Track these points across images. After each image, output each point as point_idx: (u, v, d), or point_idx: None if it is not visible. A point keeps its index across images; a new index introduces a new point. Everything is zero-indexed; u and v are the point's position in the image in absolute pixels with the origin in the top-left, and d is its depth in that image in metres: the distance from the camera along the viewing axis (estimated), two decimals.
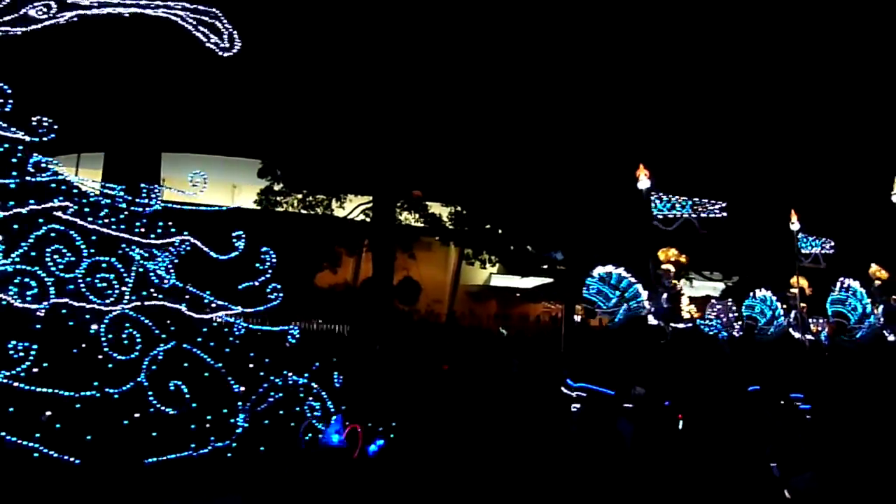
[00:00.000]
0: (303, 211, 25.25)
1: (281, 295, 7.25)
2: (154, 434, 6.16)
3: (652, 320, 9.43)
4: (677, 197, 9.92)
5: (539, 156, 23.39)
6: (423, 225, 26.92)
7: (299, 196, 25.32)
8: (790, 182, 22.21)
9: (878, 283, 11.87)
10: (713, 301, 11.14)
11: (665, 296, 9.96)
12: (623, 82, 22.89)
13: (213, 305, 7.04)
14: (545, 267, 29.74)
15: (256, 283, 7.18)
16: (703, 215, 9.93)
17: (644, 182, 10.06)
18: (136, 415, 6.11)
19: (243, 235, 7.20)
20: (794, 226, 11.55)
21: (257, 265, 7.28)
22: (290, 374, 7.14)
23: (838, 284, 9.20)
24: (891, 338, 10.82)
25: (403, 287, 26.33)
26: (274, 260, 7.36)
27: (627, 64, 22.88)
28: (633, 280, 8.89)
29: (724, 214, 9.96)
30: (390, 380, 13.06)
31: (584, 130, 22.93)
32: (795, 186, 20.95)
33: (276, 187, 25.38)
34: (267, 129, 24.31)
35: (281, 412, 6.96)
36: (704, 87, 23.58)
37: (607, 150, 22.02)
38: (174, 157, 25.76)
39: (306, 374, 7.23)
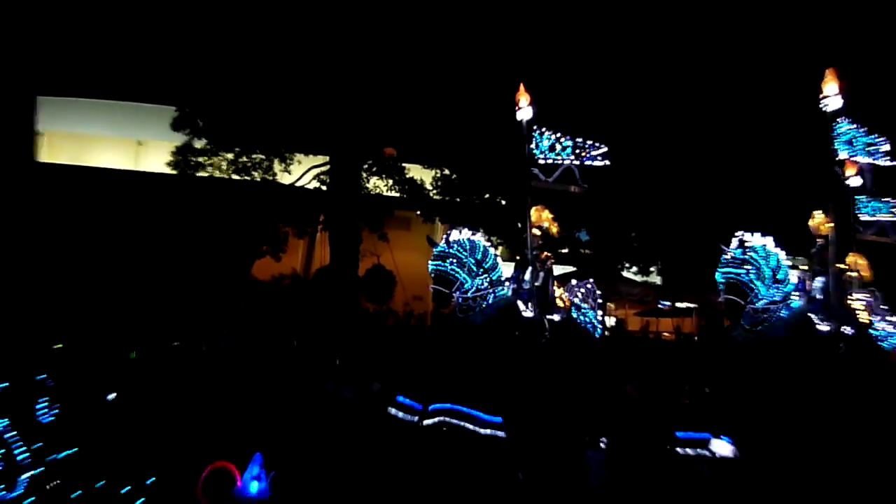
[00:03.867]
0: (234, 176, 25.22)
1: None
2: None
3: (525, 310, 9.50)
4: (558, 135, 9.93)
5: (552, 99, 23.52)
6: (398, 195, 26.89)
7: (229, 156, 25.24)
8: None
9: (820, 241, 10.16)
10: (574, 281, 11.34)
11: (541, 275, 10.18)
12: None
13: None
14: (565, 250, 29.55)
15: None
16: (584, 162, 9.98)
17: (525, 111, 9.82)
18: None
19: None
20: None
21: None
22: None
23: (734, 241, 7.73)
24: (823, 327, 9.07)
25: (372, 279, 26.13)
26: None
27: None
28: (495, 253, 8.92)
29: (607, 162, 9.98)
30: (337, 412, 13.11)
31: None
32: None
33: (198, 144, 25.30)
34: (185, 65, 24.26)
35: None
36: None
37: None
38: (57, 104, 25.50)
39: None
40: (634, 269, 31.73)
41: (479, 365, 8.31)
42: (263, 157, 25.40)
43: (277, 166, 25.68)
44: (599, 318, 10.98)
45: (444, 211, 27.36)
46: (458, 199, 26.88)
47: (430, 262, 8.54)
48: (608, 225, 28.48)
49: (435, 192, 26.95)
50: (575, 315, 10.62)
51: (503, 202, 26.98)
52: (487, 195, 27.01)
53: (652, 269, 32.21)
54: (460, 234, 8.76)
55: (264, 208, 24.89)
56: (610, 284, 24.99)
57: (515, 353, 8.59)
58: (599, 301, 11.13)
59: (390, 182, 26.62)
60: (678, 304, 30.45)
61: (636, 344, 25.36)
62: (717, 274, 7.67)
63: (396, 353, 18.74)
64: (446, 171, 26.89)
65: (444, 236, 8.70)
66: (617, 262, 30.53)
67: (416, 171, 26.98)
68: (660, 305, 31.18)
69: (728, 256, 7.63)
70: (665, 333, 30.92)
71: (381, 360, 18.20)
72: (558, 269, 29.64)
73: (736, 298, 7.53)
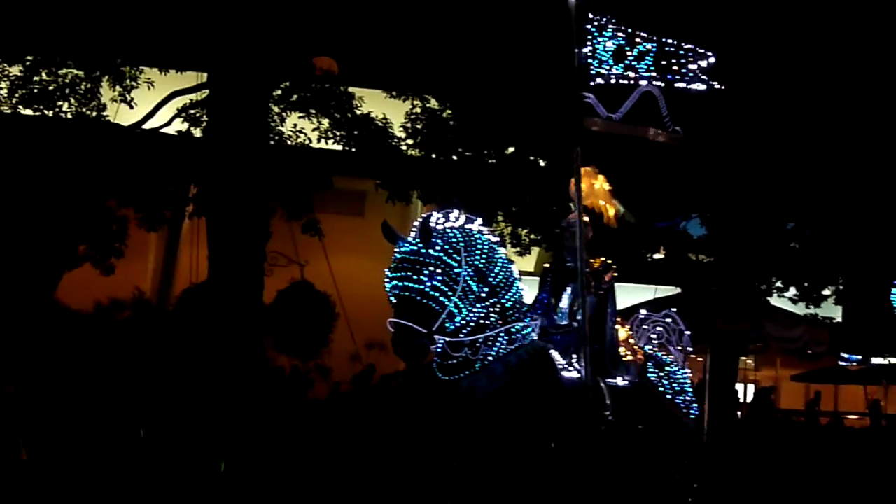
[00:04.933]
0: (23, 110, 25.48)
1: None
2: None
3: (561, 364, 9.64)
4: (631, 31, 10.24)
5: None
6: (341, 147, 27.34)
7: (15, 70, 25.58)
8: None
9: None
10: (643, 313, 12.29)
11: (590, 302, 10.36)
12: None
13: None
14: (658, 255, 29.67)
15: None
16: (676, 83, 10.36)
17: None
18: None
19: None
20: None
21: None
22: None
23: None
24: None
25: (291, 308, 26.45)
26: None
27: None
28: (504, 253, 9.23)
29: (717, 85, 10.45)
30: None
31: None
32: None
33: None
34: None
35: None
36: None
37: None
38: None
39: None
40: (792, 291, 31.89)
41: (485, 473, 8.42)
42: (81, 73, 25.55)
43: (108, 91, 25.87)
44: (689, 382, 11.27)
45: (429, 178, 27.53)
46: (453, 157, 27.21)
47: (387, 273, 8.59)
48: (740, 209, 28.60)
49: (410, 142, 27.35)
50: (654, 378, 10.85)
51: (541, 162, 27.38)
52: (511, 148, 27.35)
53: (827, 292, 32.35)
54: (448, 221, 8.82)
55: (82, 172, 24.90)
56: (746, 321, 25.10)
57: (553, 450, 8.68)
58: (689, 349, 11.65)
59: (326, 123, 26.88)
60: (877, 360, 30.59)
61: (795, 434, 25.48)
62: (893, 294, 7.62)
63: (336, 451, 18.90)
64: (431, 104, 27.34)
65: (418, 223, 8.69)
66: (759, 280, 30.70)
67: (374, 104, 27.34)
68: (842, 363, 31.37)
69: None
70: (850, 415, 31.08)
71: (306, 463, 18.36)
72: (638, 292, 29.93)
73: None
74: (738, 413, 29.35)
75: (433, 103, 27.30)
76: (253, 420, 20.34)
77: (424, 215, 8.79)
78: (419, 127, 27.24)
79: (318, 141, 27.00)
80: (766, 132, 25.77)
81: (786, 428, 27.30)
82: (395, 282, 8.44)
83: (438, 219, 8.79)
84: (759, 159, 26.36)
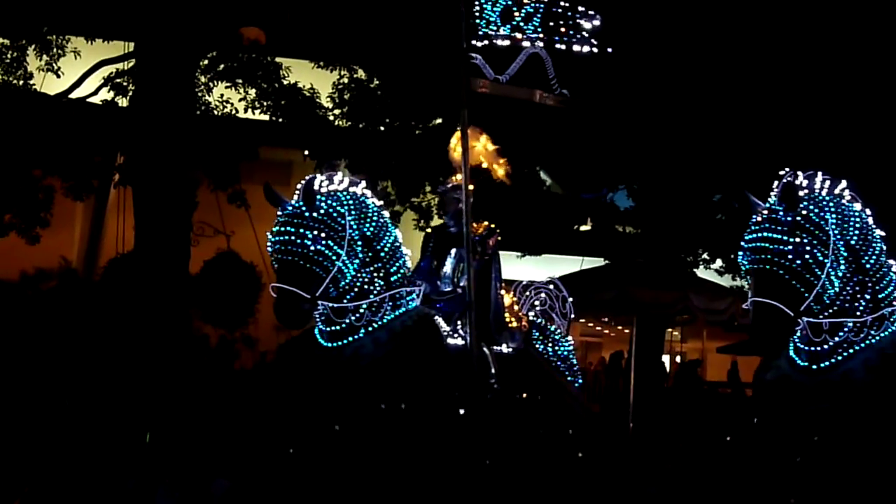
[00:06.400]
0: None
1: None
2: None
3: (446, 331, 9.83)
4: None
5: None
6: (267, 118, 27.30)
7: None
8: None
9: None
10: (525, 281, 12.31)
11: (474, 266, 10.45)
12: None
13: None
14: (585, 227, 29.79)
15: None
16: (562, 44, 10.29)
17: None
18: None
19: None
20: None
21: None
22: None
23: (777, 186, 7.85)
24: None
25: (217, 278, 26.51)
26: None
27: None
28: (386, 216, 9.39)
29: (603, 48, 10.38)
30: None
31: None
32: None
33: None
34: None
35: None
36: None
37: None
38: None
39: None
40: (718, 263, 32.05)
41: (371, 440, 8.60)
42: (6, 42, 25.42)
43: (34, 61, 25.71)
44: (573, 349, 11.40)
45: (356, 149, 27.34)
46: (381, 128, 27.34)
47: (270, 235, 8.81)
48: (667, 181, 28.78)
49: (338, 112, 27.40)
50: (540, 345, 11.08)
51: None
52: (439, 119, 27.44)
53: None
54: (332, 184, 9.01)
55: (8, 141, 24.71)
56: (672, 293, 25.30)
57: (436, 421, 8.83)
58: (573, 316, 11.76)
59: (252, 93, 26.80)
60: None
61: (719, 405, 25.55)
62: (740, 256, 7.80)
63: (261, 422, 19.01)
64: (359, 74, 27.34)
65: (301, 186, 8.86)
66: (685, 252, 30.87)
67: (302, 74, 27.36)
68: None
69: (760, 219, 7.66)
70: None
71: (230, 433, 18.39)
72: (565, 263, 29.90)
73: (777, 304, 7.49)
74: (665, 385, 29.57)
75: (360, 74, 27.30)
76: (179, 390, 20.30)
77: (308, 177, 8.96)
78: (346, 97, 27.27)
79: (245, 111, 26.96)
80: (693, 103, 25.88)
81: (711, 399, 27.39)
82: (278, 245, 8.54)
83: (322, 181, 8.96)
84: (686, 131, 26.49)
